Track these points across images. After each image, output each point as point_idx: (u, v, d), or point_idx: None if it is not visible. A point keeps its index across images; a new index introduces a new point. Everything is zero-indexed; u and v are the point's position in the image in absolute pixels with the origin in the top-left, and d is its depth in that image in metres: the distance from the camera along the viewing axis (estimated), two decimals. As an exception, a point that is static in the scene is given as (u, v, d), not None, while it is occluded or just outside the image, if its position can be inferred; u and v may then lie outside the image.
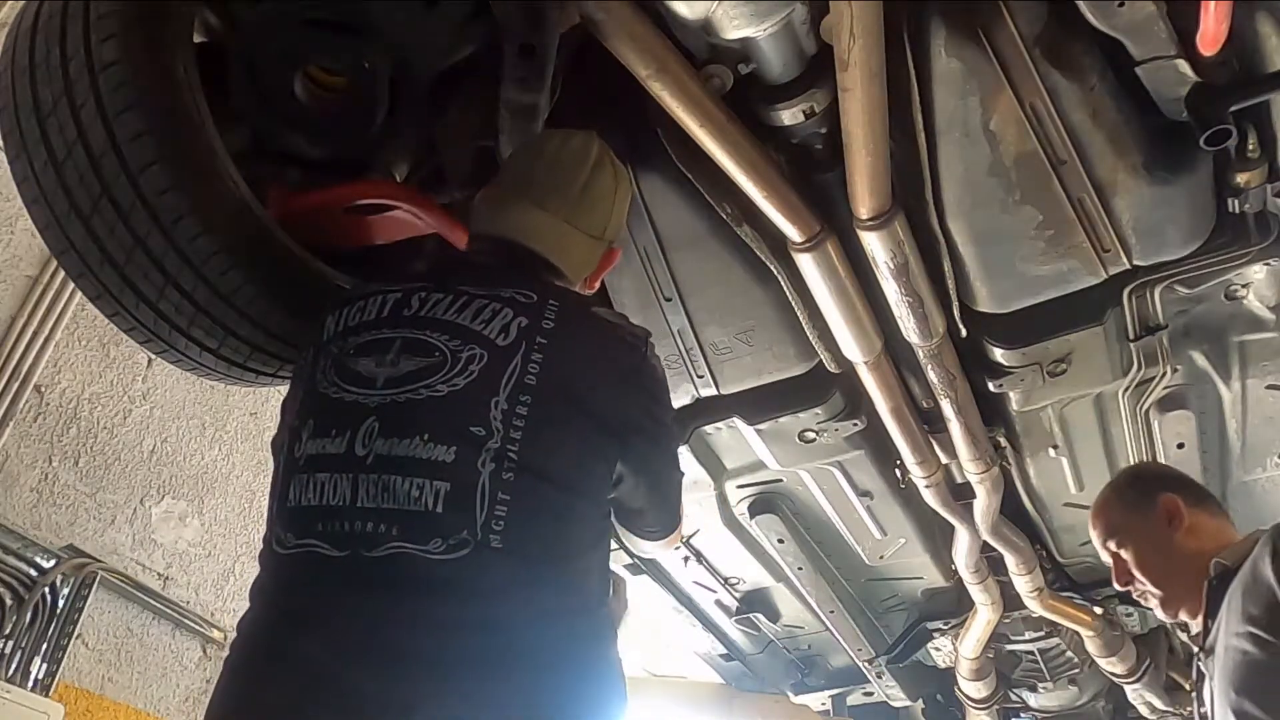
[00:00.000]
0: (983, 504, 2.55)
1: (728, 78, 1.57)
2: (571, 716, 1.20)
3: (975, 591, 2.97)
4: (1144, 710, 3.52)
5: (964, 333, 2.03)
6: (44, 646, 3.83)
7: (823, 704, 3.75)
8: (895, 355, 2.14)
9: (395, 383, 1.23)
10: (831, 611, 3.04)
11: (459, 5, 1.53)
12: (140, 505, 4.31)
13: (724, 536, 2.80)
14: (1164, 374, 2.16)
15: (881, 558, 2.90)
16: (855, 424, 2.30)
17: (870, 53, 1.40)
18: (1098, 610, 3.15)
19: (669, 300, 2.06)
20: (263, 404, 4.79)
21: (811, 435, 2.33)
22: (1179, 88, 1.56)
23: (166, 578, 4.40)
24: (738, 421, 2.32)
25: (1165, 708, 3.47)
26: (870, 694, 3.63)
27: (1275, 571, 1.57)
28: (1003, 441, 2.43)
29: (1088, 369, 2.12)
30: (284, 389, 1.43)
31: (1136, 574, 1.91)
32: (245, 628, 1.23)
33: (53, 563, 3.87)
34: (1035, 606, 3.01)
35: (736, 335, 2.13)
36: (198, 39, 1.45)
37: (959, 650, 3.36)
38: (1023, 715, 3.83)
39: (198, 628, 4.44)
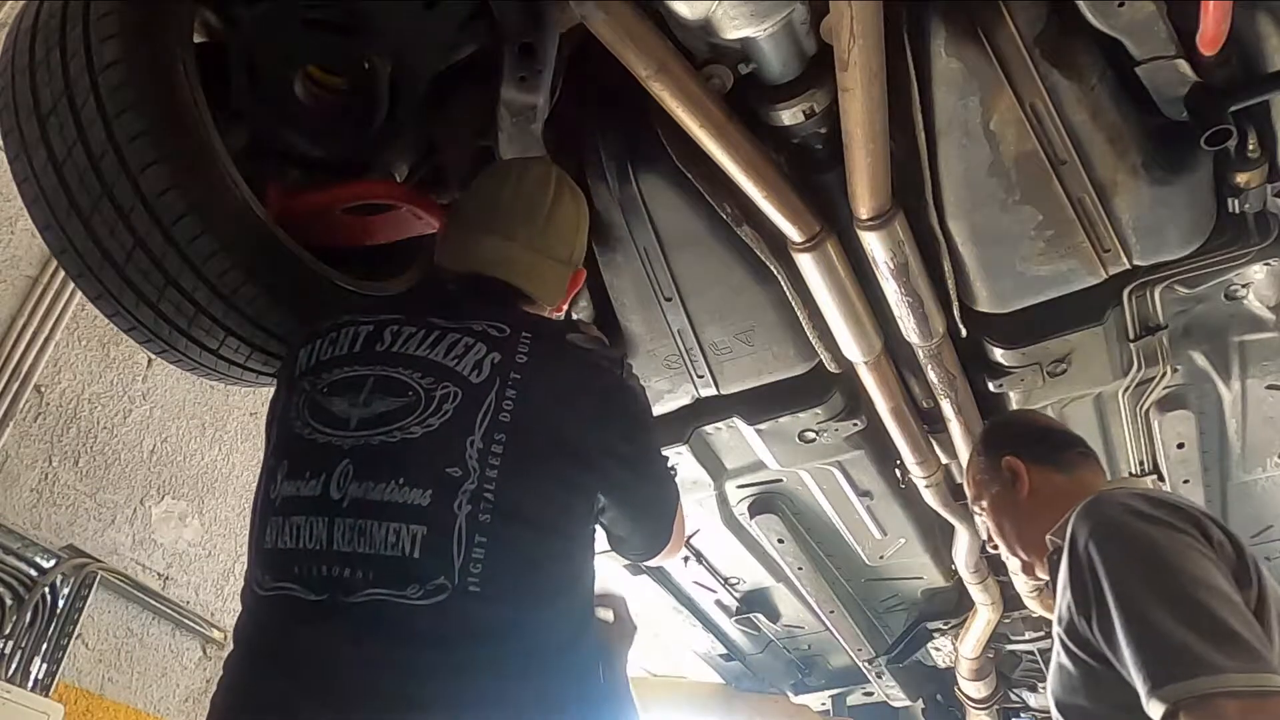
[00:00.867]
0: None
1: (728, 78, 1.57)
2: None
3: (975, 591, 2.97)
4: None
5: (964, 333, 2.03)
6: (44, 646, 3.83)
7: (823, 704, 3.75)
8: (895, 355, 2.14)
9: (369, 424, 1.21)
10: (831, 611, 3.04)
11: (459, 5, 1.53)
12: (140, 505, 4.31)
13: (724, 536, 2.80)
14: (1164, 374, 2.16)
15: (881, 558, 2.90)
16: (855, 424, 2.30)
17: (870, 53, 1.39)
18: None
19: (669, 300, 2.06)
20: (263, 404, 4.76)
21: (811, 435, 2.33)
22: (1179, 88, 1.56)
23: (166, 578, 4.40)
24: (738, 421, 2.32)
25: (1165, 708, 3.46)
26: (870, 694, 3.63)
27: (1067, 567, 1.44)
28: (1003, 441, 2.43)
29: (1088, 369, 2.12)
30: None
31: (995, 537, 1.82)
32: (229, 671, 1.23)
33: (53, 563, 3.87)
34: (1035, 606, 3.00)
35: (736, 335, 2.13)
36: (198, 39, 1.45)
37: (959, 650, 3.36)
38: (1023, 715, 3.83)
39: (198, 628, 4.44)
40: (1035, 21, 1.53)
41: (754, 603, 3.19)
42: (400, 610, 1.13)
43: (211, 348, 1.45)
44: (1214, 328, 2.11)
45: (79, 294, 2.19)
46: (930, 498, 2.52)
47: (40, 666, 3.80)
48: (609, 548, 1.51)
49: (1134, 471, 2.49)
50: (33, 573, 3.82)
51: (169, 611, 4.35)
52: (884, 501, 2.62)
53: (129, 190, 1.28)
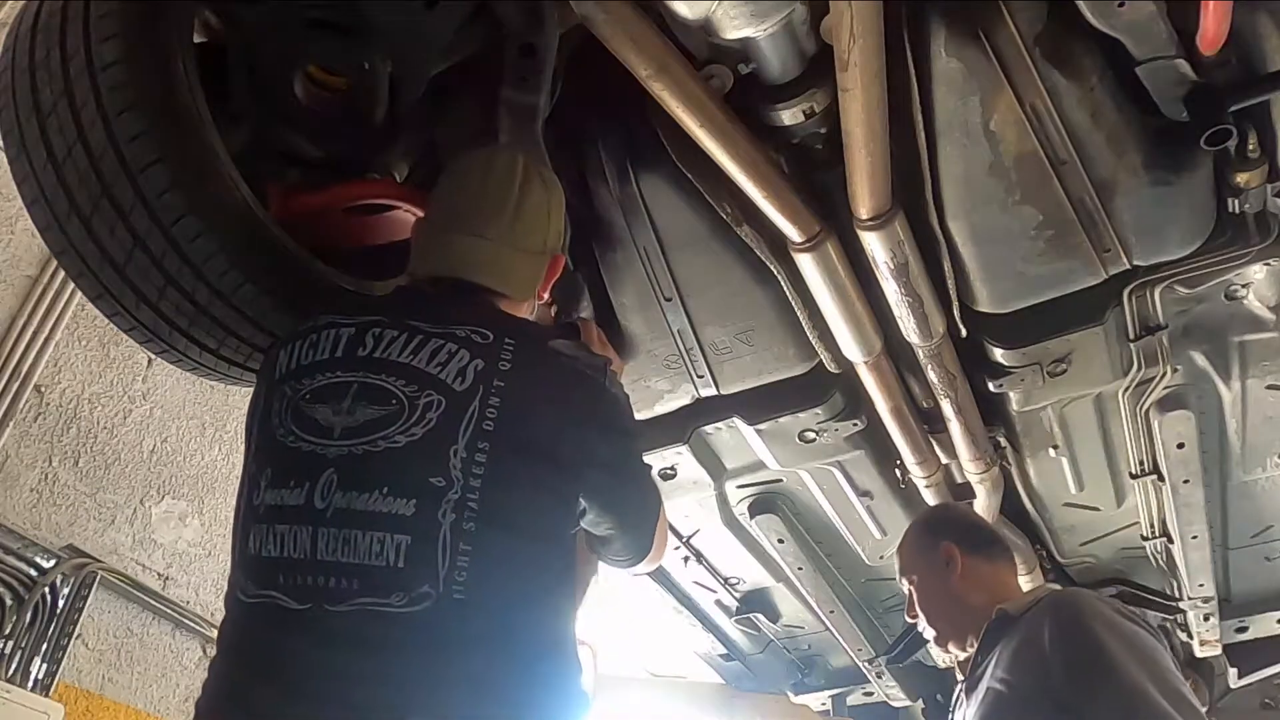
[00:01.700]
0: (983, 504, 2.55)
1: (728, 78, 1.57)
2: None
3: (975, 591, 2.97)
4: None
5: (964, 333, 2.02)
6: (44, 646, 3.83)
7: (823, 704, 3.75)
8: (895, 355, 2.14)
9: (353, 433, 1.21)
10: (831, 611, 3.04)
11: (459, 5, 1.53)
12: (140, 505, 4.31)
13: (724, 536, 2.80)
14: (1164, 374, 2.16)
15: (881, 558, 2.89)
16: (855, 424, 2.30)
17: (870, 53, 1.39)
18: (1098, 610, 3.15)
19: (669, 300, 2.06)
20: (263, 404, 4.78)
21: (811, 435, 2.33)
22: (1179, 88, 1.56)
23: (166, 578, 4.40)
24: (738, 421, 2.32)
25: (1165, 707, 3.47)
26: (870, 694, 3.63)
27: (1055, 635, 1.73)
28: (1003, 441, 2.43)
29: (1088, 369, 2.12)
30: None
31: (917, 609, 2.09)
32: (213, 676, 1.23)
33: (53, 563, 3.87)
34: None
35: (736, 335, 2.13)
36: (198, 39, 1.45)
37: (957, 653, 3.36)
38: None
39: (198, 628, 4.44)
40: (1035, 21, 1.53)
41: (754, 603, 3.19)
42: (385, 619, 1.13)
43: (211, 348, 1.45)
44: (1214, 328, 2.11)
45: (79, 294, 2.19)
46: (930, 498, 2.51)
47: (40, 666, 3.80)
48: (590, 548, 1.50)
49: (1134, 471, 2.49)
50: (33, 573, 3.82)
51: (169, 611, 4.35)
52: (884, 501, 2.62)
53: (129, 190, 1.28)
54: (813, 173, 1.78)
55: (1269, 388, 2.24)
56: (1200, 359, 2.17)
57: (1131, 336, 2.06)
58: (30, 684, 3.73)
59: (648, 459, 1.98)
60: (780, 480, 2.59)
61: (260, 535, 1.21)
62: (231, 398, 4.71)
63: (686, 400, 2.31)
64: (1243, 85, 1.54)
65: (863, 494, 2.60)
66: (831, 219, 1.79)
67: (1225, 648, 3.24)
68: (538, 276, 1.49)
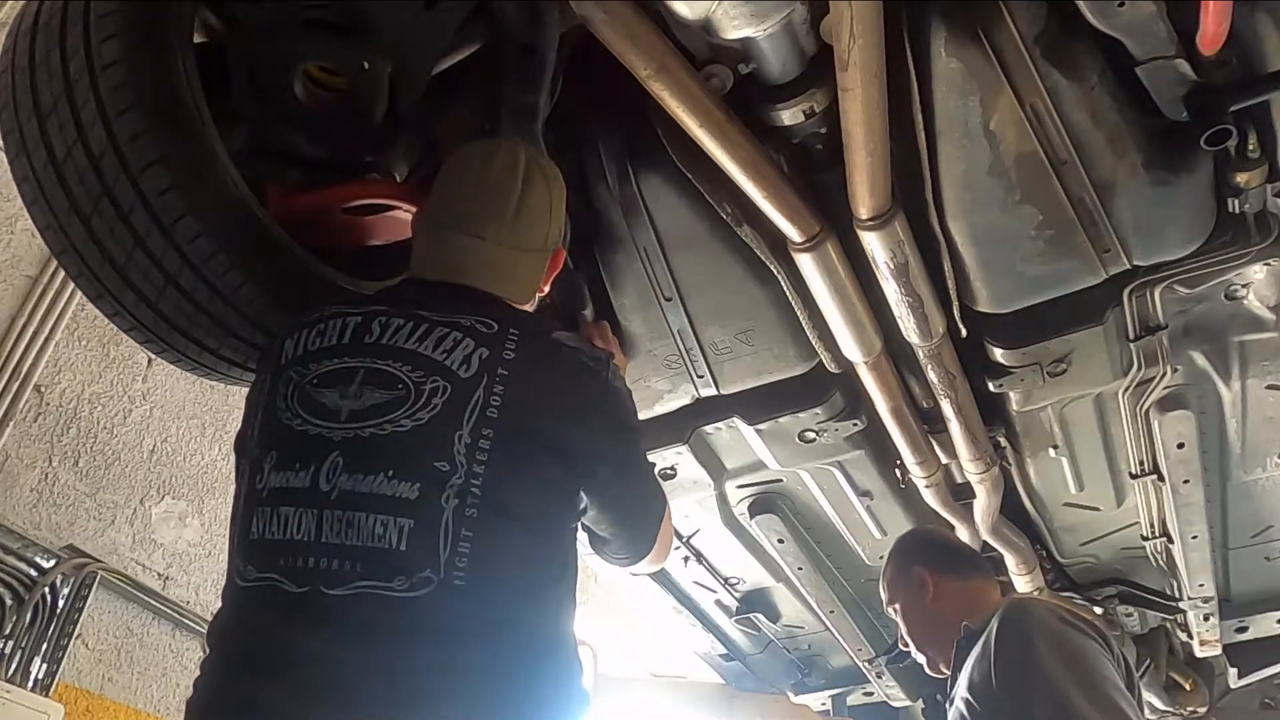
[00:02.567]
0: (983, 504, 2.55)
1: (728, 78, 1.57)
2: None
3: (975, 592, 2.96)
4: (1144, 710, 3.52)
5: (964, 333, 2.03)
6: (44, 646, 3.83)
7: (823, 704, 3.75)
8: (895, 355, 2.14)
9: (359, 416, 1.21)
10: (831, 611, 3.04)
11: (459, 5, 1.53)
12: (140, 505, 4.31)
13: (724, 536, 2.80)
14: (1164, 374, 2.16)
15: (881, 558, 2.87)
16: (855, 424, 2.30)
17: (870, 53, 1.39)
18: (1098, 610, 3.15)
19: (669, 300, 2.06)
20: (263, 404, 4.78)
21: (811, 435, 2.33)
22: (1179, 88, 1.56)
23: (166, 578, 4.40)
24: (738, 421, 2.32)
25: (1165, 707, 3.47)
26: (870, 694, 3.63)
27: (996, 643, 1.79)
28: (1003, 441, 2.43)
29: (1088, 369, 2.12)
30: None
31: (904, 635, 2.19)
32: (206, 672, 1.21)
33: (53, 563, 3.87)
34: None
35: (736, 335, 2.13)
36: (198, 39, 1.45)
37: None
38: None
39: (198, 628, 4.44)
40: (1035, 21, 1.53)
41: (754, 603, 3.19)
42: (384, 602, 1.13)
43: (211, 348, 1.45)
44: (1214, 328, 2.11)
45: (79, 294, 2.19)
46: (930, 498, 2.51)
47: (40, 666, 3.81)
48: (591, 548, 1.50)
49: (1134, 471, 2.49)
50: (33, 573, 3.82)
51: (169, 611, 4.35)
52: (884, 501, 2.62)
53: (129, 190, 1.28)
54: (813, 173, 1.78)
55: (1269, 388, 2.24)
56: (1200, 359, 2.17)
57: (1131, 336, 2.06)
58: (30, 684, 3.73)
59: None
60: (780, 480, 2.59)
61: (264, 518, 1.21)
62: (231, 398, 4.71)
63: (686, 400, 2.31)
64: (1243, 85, 1.54)
65: (863, 494, 2.60)
66: (831, 219, 1.79)
67: (1225, 648, 3.24)
68: (539, 274, 1.49)
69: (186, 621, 4.41)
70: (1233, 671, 3.36)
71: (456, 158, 1.48)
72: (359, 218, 1.61)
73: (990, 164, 1.72)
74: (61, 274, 3.73)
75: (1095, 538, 2.86)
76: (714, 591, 3.12)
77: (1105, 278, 1.93)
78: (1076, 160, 1.69)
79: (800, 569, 2.86)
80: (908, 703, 3.60)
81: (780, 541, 2.76)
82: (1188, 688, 3.45)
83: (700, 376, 2.23)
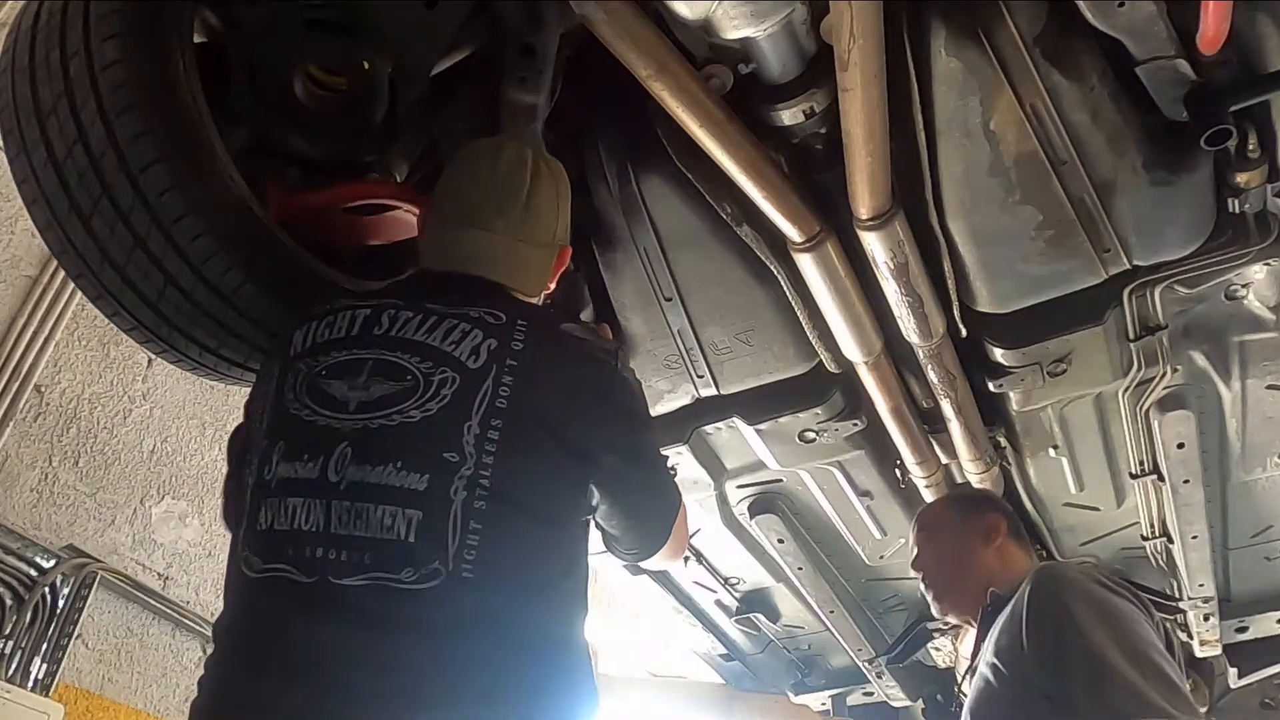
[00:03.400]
0: (983, 504, 2.55)
1: (728, 78, 1.57)
2: None
3: (975, 592, 2.96)
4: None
5: (964, 333, 2.03)
6: (44, 646, 3.83)
7: (823, 704, 3.75)
8: (895, 355, 2.14)
9: (367, 407, 1.21)
10: (831, 611, 3.04)
11: (459, 5, 1.53)
12: (140, 505, 4.31)
13: (724, 536, 2.80)
14: (1164, 374, 2.16)
15: (881, 558, 2.90)
16: (855, 424, 2.30)
17: (870, 53, 1.39)
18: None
19: (669, 300, 2.06)
20: (263, 404, 4.78)
21: (811, 435, 2.33)
22: (1179, 88, 1.56)
23: (166, 578, 4.39)
24: (738, 421, 2.32)
25: (1165, 707, 3.47)
26: (870, 694, 3.63)
27: (1028, 607, 1.73)
28: (1003, 441, 2.43)
29: (1088, 369, 2.12)
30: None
31: (930, 565, 2.11)
32: (212, 668, 1.20)
33: (53, 563, 3.86)
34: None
35: (736, 335, 2.13)
36: (198, 39, 1.45)
37: (959, 650, 3.36)
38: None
39: (198, 628, 4.44)
40: (1035, 21, 1.53)
41: (754, 603, 3.19)
42: (392, 594, 1.12)
43: (211, 348, 1.45)
44: (1214, 328, 2.11)
45: (79, 294, 2.19)
46: (930, 498, 2.51)
47: (40, 666, 3.80)
48: (604, 545, 1.50)
49: (1134, 471, 2.49)
50: (33, 573, 3.82)
51: (169, 611, 4.34)
52: (884, 501, 2.62)
53: (129, 190, 1.28)
54: (813, 173, 1.78)
55: (1269, 388, 2.24)
56: (1200, 359, 2.17)
57: (1131, 336, 2.06)
58: (30, 684, 3.73)
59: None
60: (780, 480, 2.59)
61: (272, 509, 1.20)
62: (231, 398, 4.71)
63: (686, 400, 2.31)
64: (1243, 85, 1.54)
65: (863, 494, 2.59)
66: (831, 219, 1.79)
67: (1225, 648, 3.24)
68: (547, 270, 1.49)
69: (187, 621, 4.40)
70: (1233, 671, 3.36)
71: (464, 154, 1.48)
72: (359, 218, 1.61)
73: (990, 164, 1.72)
74: (61, 274, 3.73)
75: (1095, 538, 2.86)
76: (714, 591, 3.12)
77: (1105, 278, 1.92)
78: (1076, 160, 1.69)
79: (800, 569, 2.86)
80: (908, 703, 3.60)
81: (780, 541, 2.76)
82: (1188, 688, 3.45)
83: (700, 376, 2.23)
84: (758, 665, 3.57)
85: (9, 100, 1.35)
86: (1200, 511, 2.54)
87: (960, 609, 2.07)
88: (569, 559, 1.28)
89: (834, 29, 1.39)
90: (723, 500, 2.68)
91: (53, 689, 3.79)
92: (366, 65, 1.51)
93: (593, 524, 1.39)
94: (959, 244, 1.86)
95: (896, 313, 1.93)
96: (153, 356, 1.59)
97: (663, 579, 3.04)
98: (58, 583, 3.88)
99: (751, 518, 2.70)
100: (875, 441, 2.38)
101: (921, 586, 2.19)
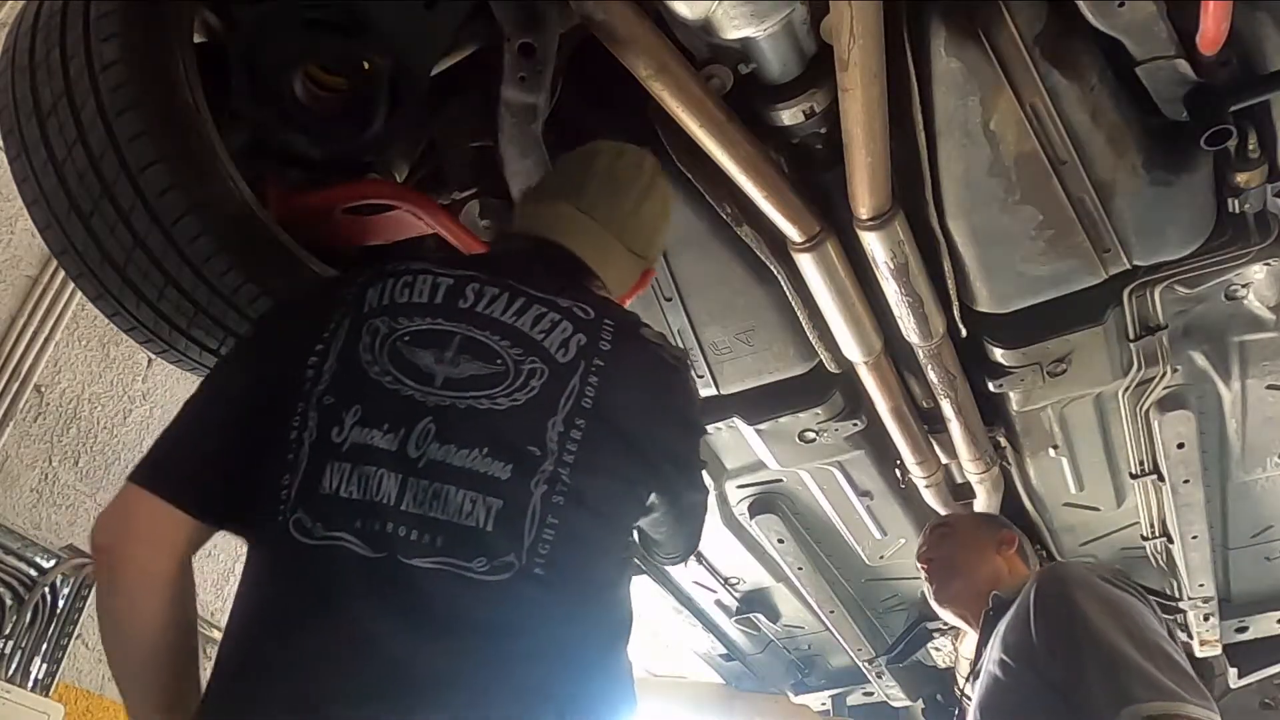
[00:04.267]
0: (983, 504, 2.55)
1: (728, 78, 1.57)
2: None
3: (975, 592, 2.96)
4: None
5: (964, 333, 2.03)
6: (44, 646, 3.83)
7: (823, 704, 3.75)
8: (895, 355, 2.14)
9: (455, 385, 1.16)
10: (831, 611, 3.04)
11: (459, 5, 1.53)
12: (140, 505, 4.31)
13: (724, 536, 2.80)
14: (1164, 374, 2.16)
15: (881, 558, 2.90)
16: (855, 424, 2.30)
17: (870, 53, 1.39)
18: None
19: (669, 300, 2.06)
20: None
21: (811, 435, 2.33)
22: (1179, 88, 1.56)
23: (166, 578, 4.39)
24: (738, 421, 2.32)
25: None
26: (870, 694, 3.63)
27: (1035, 602, 1.76)
28: (1003, 441, 2.43)
29: (1088, 369, 2.12)
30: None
31: (940, 556, 2.15)
32: (239, 636, 1.13)
33: (53, 563, 3.87)
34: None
35: (736, 335, 2.13)
36: (198, 39, 1.45)
37: (959, 650, 3.36)
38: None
39: (198, 628, 4.44)
40: (1035, 21, 1.53)
41: (754, 603, 3.19)
42: (461, 582, 1.07)
43: (211, 348, 1.45)
44: (1214, 328, 2.11)
45: (79, 294, 2.19)
46: (930, 498, 2.52)
47: (40, 666, 3.80)
48: (641, 546, 1.50)
49: (1134, 471, 2.49)
50: (33, 573, 3.82)
51: (169, 612, 4.34)
52: (884, 501, 2.62)
53: (129, 190, 1.28)
54: (813, 173, 1.78)
55: (1269, 388, 2.24)
56: (1200, 359, 2.17)
57: (1131, 336, 2.06)
58: (30, 684, 3.73)
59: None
60: (780, 480, 2.59)
61: (342, 474, 1.11)
62: (231, 398, 4.71)
63: (687, 400, 2.30)
64: (1243, 85, 1.54)
65: (863, 494, 2.60)
66: (831, 219, 1.79)
67: (1225, 648, 3.24)
68: (629, 279, 1.46)
69: (186, 621, 4.40)
70: (1233, 671, 3.36)
71: (585, 148, 1.48)
72: (359, 218, 1.61)
73: (990, 164, 1.72)
74: (61, 274, 3.73)
75: (1095, 538, 2.86)
76: (714, 591, 3.13)
77: (1105, 278, 1.92)
78: (1076, 160, 1.69)
79: (800, 569, 2.86)
80: (908, 703, 3.60)
81: (780, 541, 2.76)
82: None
83: (700, 376, 2.23)
84: (758, 665, 3.57)
85: (9, 100, 1.35)
86: (1200, 511, 2.54)
87: (961, 604, 2.08)
88: (623, 564, 1.26)
89: (834, 29, 1.39)
90: (723, 500, 2.68)
91: (53, 689, 3.80)
92: (366, 65, 1.51)
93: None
94: (959, 244, 1.86)
95: (896, 313, 1.93)
96: (153, 356, 1.59)
97: (663, 579, 3.05)
98: (58, 583, 3.88)
99: (751, 518, 2.70)
100: (875, 441, 2.39)
101: (924, 579, 2.20)
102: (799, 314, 2.01)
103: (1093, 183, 1.72)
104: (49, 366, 3.94)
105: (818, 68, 1.56)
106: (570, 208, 1.39)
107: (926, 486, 2.47)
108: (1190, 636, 3.11)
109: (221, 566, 4.61)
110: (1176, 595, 2.97)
